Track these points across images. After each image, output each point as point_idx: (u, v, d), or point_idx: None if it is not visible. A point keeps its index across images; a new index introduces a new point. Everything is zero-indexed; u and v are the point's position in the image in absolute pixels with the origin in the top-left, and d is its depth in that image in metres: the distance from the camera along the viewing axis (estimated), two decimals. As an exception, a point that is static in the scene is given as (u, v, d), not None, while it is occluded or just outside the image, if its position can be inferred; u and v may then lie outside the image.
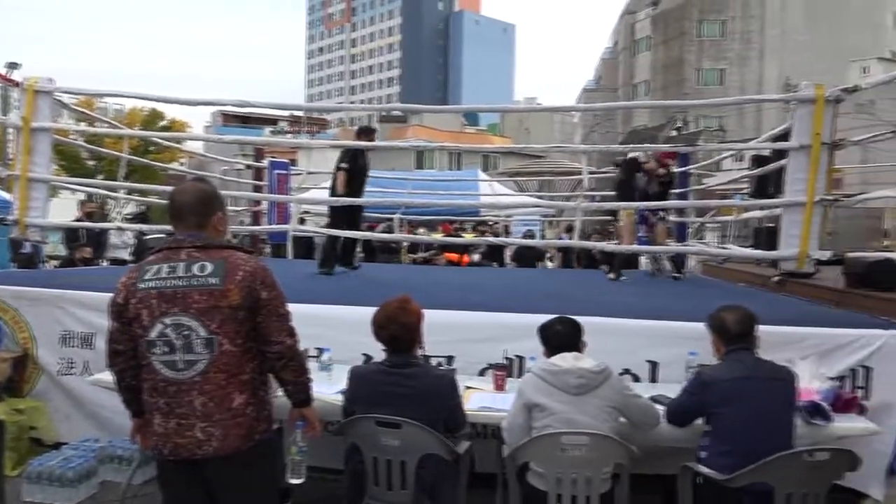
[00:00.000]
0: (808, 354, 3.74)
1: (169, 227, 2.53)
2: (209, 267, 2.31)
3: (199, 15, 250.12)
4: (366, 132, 7.17)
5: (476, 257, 11.89)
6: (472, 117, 56.64)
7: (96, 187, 9.33)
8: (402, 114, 44.24)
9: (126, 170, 6.99)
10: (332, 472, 3.82)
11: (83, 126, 10.45)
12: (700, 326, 3.72)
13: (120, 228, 8.07)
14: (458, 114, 44.84)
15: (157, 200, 7.86)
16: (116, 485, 4.03)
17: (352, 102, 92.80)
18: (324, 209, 14.05)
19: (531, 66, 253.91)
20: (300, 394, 2.56)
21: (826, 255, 5.30)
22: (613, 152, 9.98)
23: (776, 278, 6.97)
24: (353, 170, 6.63)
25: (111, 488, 4.08)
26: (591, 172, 7.59)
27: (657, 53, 47.91)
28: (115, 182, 7.75)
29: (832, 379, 3.63)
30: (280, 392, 2.65)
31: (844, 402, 3.38)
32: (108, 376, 2.55)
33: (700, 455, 3.03)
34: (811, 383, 3.37)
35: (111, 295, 2.42)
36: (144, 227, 8.41)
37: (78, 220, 9.05)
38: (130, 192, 9.14)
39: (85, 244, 9.14)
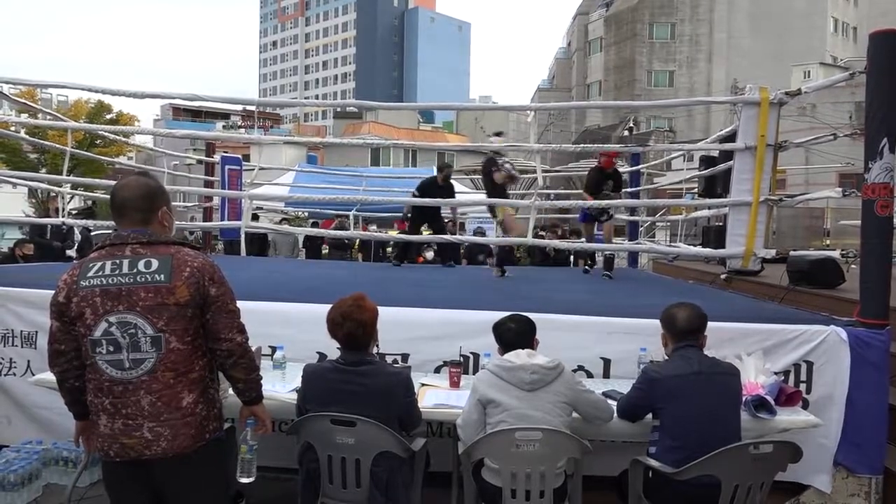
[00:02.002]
0: (754, 350, 3.84)
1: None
2: (155, 263, 2.26)
3: (147, 4, 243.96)
4: (440, 169, 8.54)
5: (430, 255, 11.89)
6: (427, 115, 56.61)
7: (39, 181, 9.04)
8: (357, 110, 43.89)
9: (70, 164, 6.79)
10: (286, 471, 3.79)
11: (25, 118, 10.07)
12: (651, 323, 3.80)
13: (64, 224, 7.79)
14: (413, 111, 44.70)
15: (104, 195, 7.64)
16: (61, 488, 3.92)
17: (306, 98, 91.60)
18: (278, 205, 13.95)
19: (486, 65, 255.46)
20: (251, 391, 2.52)
21: (771, 253, 5.47)
22: (566, 151, 10.09)
23: (723, 276, 7.17)
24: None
25: (56, 491, 3.96)
26: (546, 171, 7.65)
27: (609, 54, 48.64)
28: (59, 176, 7.53)
29: (776, 374, 3.74)
30: (230, 391, 2.61)
31: (787, 396, 3.49)
32: (50, 376, 2.46)
33: (650, 450, 3.09)
34: (756, 378, 3.46)
35: (52, 293, 2.33)
36: (91, 222, 8.15)
37: (46, 216, 8.75)
38: (75, 186, 8.87)
39: (27, 241, 8.86)
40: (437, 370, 4.06)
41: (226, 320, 2.35)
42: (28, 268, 6.93)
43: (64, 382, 2.39)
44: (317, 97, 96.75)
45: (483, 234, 13.45)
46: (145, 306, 2.22)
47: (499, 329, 3.26)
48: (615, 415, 3.21)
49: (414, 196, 8.04)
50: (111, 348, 2.22)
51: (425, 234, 8.52)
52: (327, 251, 13.41)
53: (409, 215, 8.79)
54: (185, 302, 2.25)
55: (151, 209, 2.35)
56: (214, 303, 2.32)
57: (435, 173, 8.69)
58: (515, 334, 3.18)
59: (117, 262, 2.26)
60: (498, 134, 7.89)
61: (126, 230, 2.32)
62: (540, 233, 12.32)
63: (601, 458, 3.50)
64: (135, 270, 2.24)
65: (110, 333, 2.21)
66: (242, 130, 45.24)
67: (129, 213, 2.33)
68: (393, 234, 13.08)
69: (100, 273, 2.24)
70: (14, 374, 4.43)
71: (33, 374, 4.00)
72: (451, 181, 8.67)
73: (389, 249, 13.37)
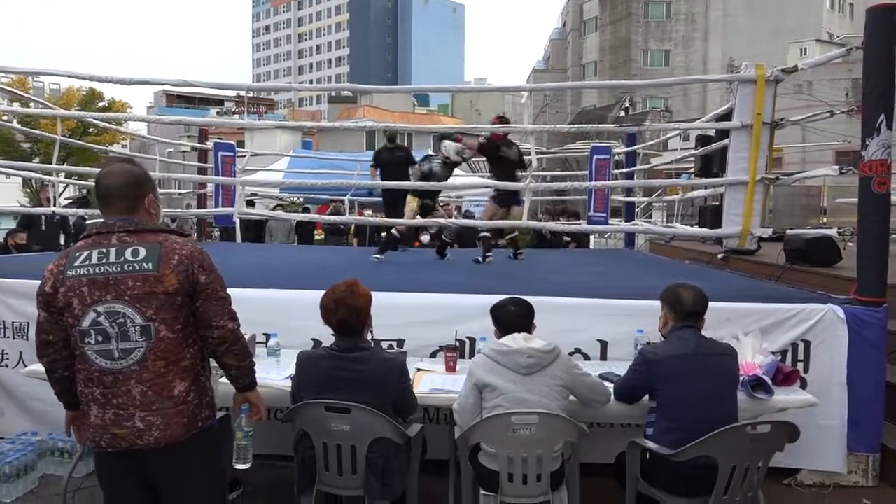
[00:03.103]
0: (751, 329, 3.82)
1: None
2: (142, 252, 2.22)
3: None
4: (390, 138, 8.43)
5: (426, 238, 11.84)
6: (422, 98, 56.32)
7: (32, 170, 8.96)
8: (351, 94, 43.60)
9: (63, 152, 6.74)
10: (281, 458, 3.79)
11: (16, 107, 9.97)
12: (648, 304, 3.78)
13: (55, 213, 7.74)
14: (408, 94, 44.47)
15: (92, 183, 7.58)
16: (58, 478, 3.91)
17: (300, 83, 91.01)
18: (273, 191, 13.89)
19: (481, 47, 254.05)
20: (244, 378, 2.50)
21: (767, 232, 5.44)
22: (562, 132, 10.02)
23: (720, 255, 7.15)
24: (377, 163, 8.19)
25: (52, 482, 3.95)
26: (541, 153, 7.58)
27: (605, 34, 48.29)
28: (52, 165, 7.46)
29: (774, 353, 3.73)
30: (222, 379, 2.58)
31: (785, 376, 3.48)
32: (41, 367, 2.44)
33: (646, 431, 3.08)
34: (753, 358, 3.45)
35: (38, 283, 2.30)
36: (83, 211, 8.09)
37: (38, 206, 8.67)
38: (69, 175, 8.80)
39: (19, 230, 8.81)
40: (433, 355, 4.05)
41: (216, 307, 2.32)
42: (20, 258, 6.89)
43: (53, 373, 2.36)
44: (311, 82, 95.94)
45: (472, 216, 13.39)
46: (133, 295, 2.18)
47: (498, 312, 3.23)
48: (612, 397, 3.20)
49: (372, 167, 8.23)
50: (100, 338, 2.19)
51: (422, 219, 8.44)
52: (323, 237, 13.37)
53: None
54: (173, 290, 2.21)
55: (137, 196, 2.31)
56: (204, 290, 2.28)
57: (431, 153, 8.53)
58: (515, 317, 3.15)
59: (104, 250, 2.22)
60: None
61: (112, 218, 2.28)
62: (540, 216, 12.29)
63: (598, 445, 3.50)
64: (122, 259, 2.20)
65: (99, 323, 2.18)
66: (236, 116, 44.97)
67: (115, 201, 2.29)
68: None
69: (86, 262, 2.21)
70: (6, 366, 4.41)
71: (25, 366, 3.97)
72: (400, 143, 8.54)
73: (384, 235, 13.31)
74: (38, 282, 2.28)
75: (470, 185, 12.12)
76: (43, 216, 8.39)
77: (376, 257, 6.67)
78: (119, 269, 2.19)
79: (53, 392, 2.43)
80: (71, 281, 2.20)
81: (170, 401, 2.23)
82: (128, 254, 2.21)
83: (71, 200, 13.05)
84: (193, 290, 2.27)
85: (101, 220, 2.34)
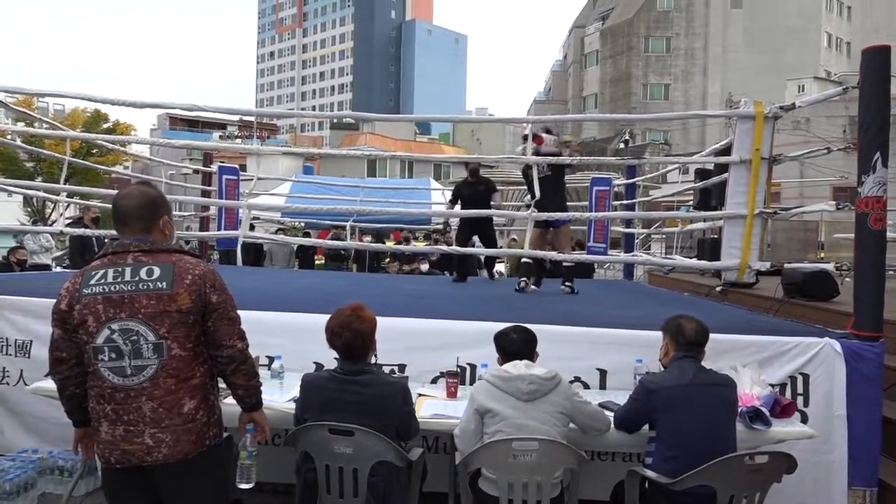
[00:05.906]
0: (749, 361, 3.86)
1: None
2: (157, 271, 2.28)
3: (144, 15, 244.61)
4: (467, 165, 8.39)
5: (425, 267, 11.88)
6: (424, 126, 56.78)
7: (35, 189, 9.02)
8: (353, 121, 43.98)
9: (67, 172, 6.80)
10: (285, 486, 3.80)
11: (21, 126, 10.08)
12: (647, 334, 3.82)
13: (61, 232, 7.78)
14: (410, 122, 44.82)
15: (101, 204, 7.64)
16: (57, 497, 3.92)
17: (303, 109, 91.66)
18: (274, 216, 13.94)
19: (483, 77, 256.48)
20: (251, 398, 2.54)
21: (765, 265, 5.50)
22: (563, 163, 10.09)
23: (719, 288, 7.20)
24: (459, 199, 8.01)
25: (51, 501, 3.95)
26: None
27: (606, 67, 48.92)
28: (57, 185, 7.53)
29: (773, 386, 3.76)
30: (227, 400, 2.61)
31: (783, 408, 3.51)
32: (49, 384, 2.47)
33: (646, 460, 3.11)
34: (752, 389, 3.48)
35: (54, 301, 2.34)
36: (89, 231, 8.14)
37: (84, 227, 8.68)
38: (72, 195, 8.85)
39: (21, 247, 8.87)
40: (435, 381, 4.07)
41: (227, 327, 2.37)
42: (25, 276, 6.93)
43: (64, 390, 2.39)
44: (314, 108, 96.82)
45: (473, 245, 13.44)
46: (147, 313, 2.23)
47: (501, 339, 3.27)
48: (612, 426, 3.23)
49: (451, 202, 8.13)
50: (113, 355, 2.23)
51: (421, 245, 8.52)
52: (323, 262, 13.38)
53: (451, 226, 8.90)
54: (186, 309, 2.27)
55: (153, 218, 2.38)
56: (216, 310, 2.34)
57: (431, 182, 8.61)
58: (518, 344, 3.19)
59: (119, 269, 2.27)
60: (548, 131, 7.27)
61: (128, 238, 2.34)
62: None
63: (598, 481, 3.51)
64: (137, 278, 2.26)
65: (112, 340, 2.23)
66: (239, 140, 45.27)
67: (132, 221, 2.35)
68: (389, 244, 13.09)
69: (102, 281, 2.26)
70: (7, 384, 4.42)
71: (26, 384, 3.98)
72: (482, 175, 8.43)
73: (387, 261, 13.34)
74: (42, 300, 2.33)
75: (471, 213, 12.19)
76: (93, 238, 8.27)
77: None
78: (134, 287, 2.24)
79: (64, 409, 2.45)
80: (87, 299, 2.25)
81: (179, 418, 2.27)
82: (143, 273, 2.26)
83: (72, 220, 13.11)
84: (205, 310, 2.32)
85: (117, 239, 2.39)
